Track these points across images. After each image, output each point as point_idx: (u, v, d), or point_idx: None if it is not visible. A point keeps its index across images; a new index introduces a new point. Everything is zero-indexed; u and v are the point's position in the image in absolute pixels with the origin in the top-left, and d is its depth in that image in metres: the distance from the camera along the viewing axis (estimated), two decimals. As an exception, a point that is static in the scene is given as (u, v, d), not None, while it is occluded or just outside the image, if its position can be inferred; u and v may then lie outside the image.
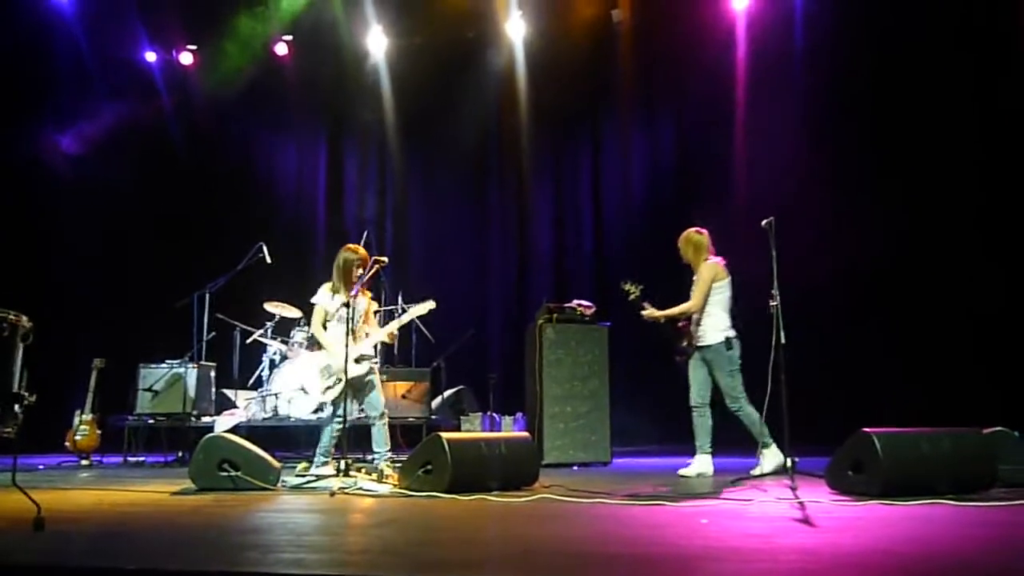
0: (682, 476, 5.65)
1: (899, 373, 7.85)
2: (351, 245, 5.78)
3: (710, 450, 5.79)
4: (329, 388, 5.54)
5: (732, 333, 5.78)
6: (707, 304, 5.81)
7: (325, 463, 5.54)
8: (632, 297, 5.94)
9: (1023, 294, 7.67)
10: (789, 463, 4.62)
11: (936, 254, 8.03)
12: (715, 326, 5.77)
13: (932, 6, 8.18)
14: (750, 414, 5.59)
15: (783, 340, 4.64)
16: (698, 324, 5.83)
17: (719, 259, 5.91)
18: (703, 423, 5.82)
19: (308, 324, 7.99)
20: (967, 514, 3.62)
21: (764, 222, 4.87)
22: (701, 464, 5.74)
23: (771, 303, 4.82)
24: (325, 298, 5.64)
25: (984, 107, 8.13)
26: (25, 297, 3.71)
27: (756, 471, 5.53)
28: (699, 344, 5.82)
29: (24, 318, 3.46)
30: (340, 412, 5.45)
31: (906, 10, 8.25)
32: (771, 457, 5.54)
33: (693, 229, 6.01)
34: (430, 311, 5.72)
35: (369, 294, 5.83)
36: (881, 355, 8.06)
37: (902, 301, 8.09)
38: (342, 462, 5.07)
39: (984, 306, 7.68)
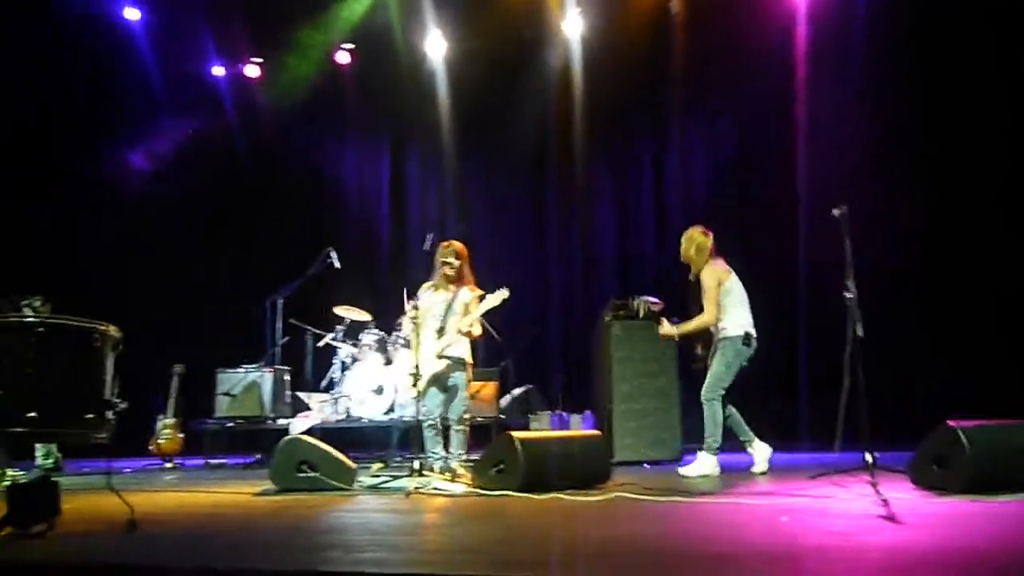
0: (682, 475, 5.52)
1: (983, 363, 7.55)
2: (443, 243, 5.82)
3: (715, 451, 5.59)
4: (413, 385, 5.64)
5: (753, 331, 5.65)
6: (720, 307, 5.66)
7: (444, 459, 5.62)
8: (643, 315, 5.82)
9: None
10: (869, 458, 4.49)
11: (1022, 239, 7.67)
12: (736, 321, 5.63)
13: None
14: (716, 412, 5.51)
15: (860, 333, 4.52)
16: (719, 323, 5.68)
17: (719, 261, 5.76)
18: (731, 419, 5.69)
19: (377, 327, 8.17)
20: (1062, 509, 3.48)
21: (836, 211, 4.74)
22: (705, 464, 5.57)
23: (847, 295, 4.69)
24: (422, 297, 5.71)
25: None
26: (110, 309, 3.86)
27: (685, 470, 5.51)
28: (718, 338, 5.69)
29: (113, 328, 3.61)
30: (419, 410, 5.53)
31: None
32: (706, 463, 5.48)
33: (698, 229, 5.87)
34: (504, 301, 5.60)
35: (476, 292, 5.70)
36: (964, 345, 7.76)
37: (987, 288, 7.76)
38: (415, 462, 5.14)
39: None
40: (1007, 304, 7.65)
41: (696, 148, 9.96)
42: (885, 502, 3.47)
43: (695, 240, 5.83)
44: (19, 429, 3.38)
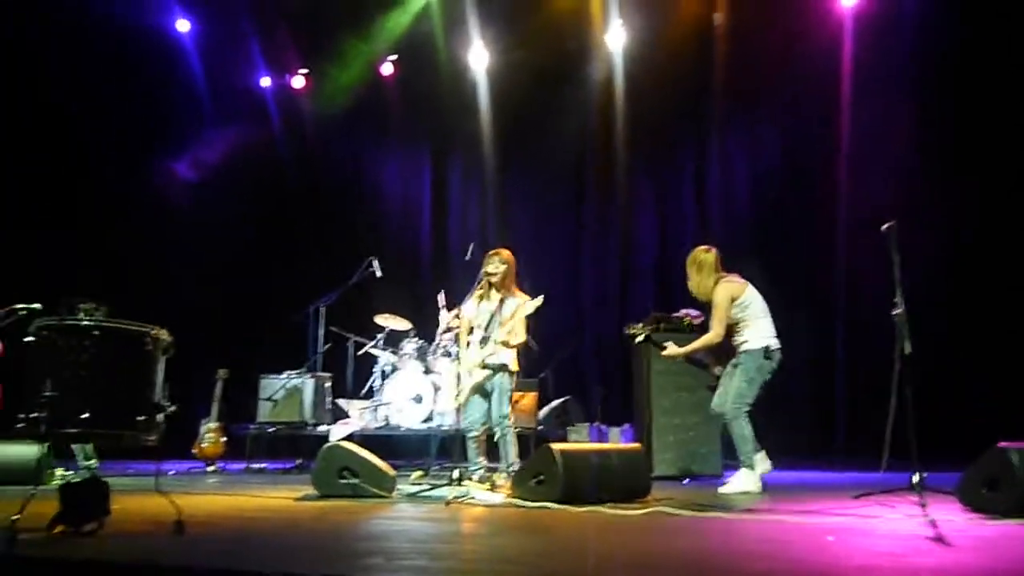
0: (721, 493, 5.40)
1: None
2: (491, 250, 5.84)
3: (753, 465, 5.44)
4: (457, 395, 5.67)
5: (775, 344, 5.52)
6: (740, 321, 5.55)
7: (477, 470, 5.64)
8: (638, 340, 5.71)
9: None
10: (916, 479, 4.41)
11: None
12: (757, 334, 5.51)
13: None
14: (742, 428, 5.38)
15: (909, 350, 4.44)
16: (739, 336, 5.57)
17: (732, 276, 5.64)
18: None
19: (417, 336, 8.23)
20: (1120, 536, 3.38)
21: (885, 227, 4.67)
22: (746, 479, 5.42)
23: (895, 311, 4.62)
24: (466, 307, 5.73)
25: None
26: (158, 314, 3.94)
27: (725, 488, 5.39)
28: (740, 351, 5.56)
29: (164, 332, 3.70)
30: (465, 419, 5.54)
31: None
32: (746, 478, 5.34)
33: (701, 248, 5.78)
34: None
35: (523, 298, 5.62)
36: (1016, 364, 7.57)
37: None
38: (455, 471, 5.16)
39: None
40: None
41: (738, 160, 9.87)
42: (933, 523, 3.40)
43: (696, 260, 5.73)
44: (73, 430, 3.48)
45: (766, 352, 5.49)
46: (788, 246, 8.48)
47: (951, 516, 3.90)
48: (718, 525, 3.83)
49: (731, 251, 9.41)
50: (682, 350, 5.71)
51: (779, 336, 5.63)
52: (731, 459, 6.05)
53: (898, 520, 3.89)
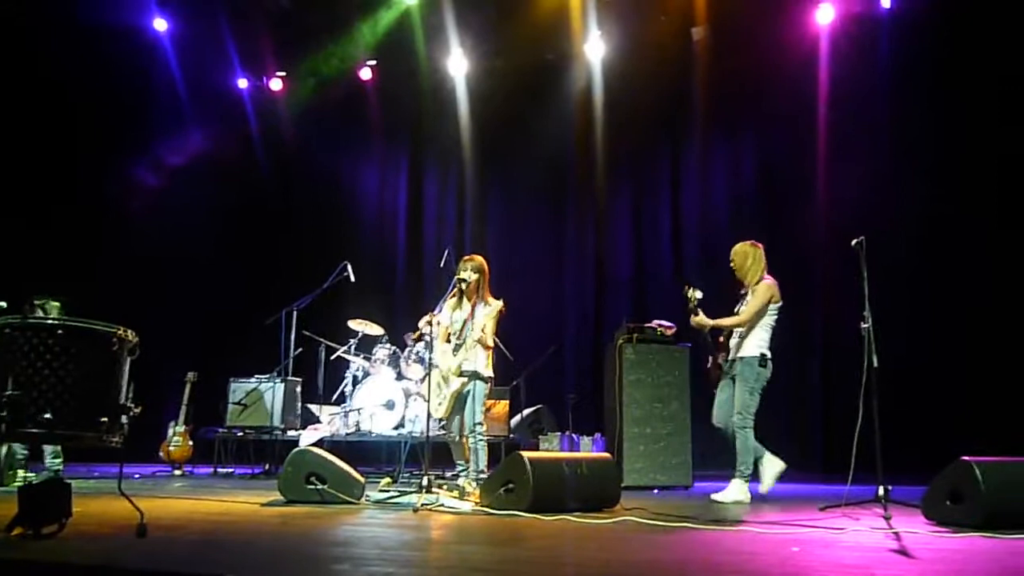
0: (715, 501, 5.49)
1: (999, 398, 7.48)
2: (464, 256, 5.84)
3: (748, 478, 5.55)
4: (440, 404, 5.65)
5: (769, 353, 5.62)
6: (757, 322, 5.65)
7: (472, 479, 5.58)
8: (692, 304, 5.77)
9: None
10: (881, 491, 4.47)
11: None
12: (756, 342, 5.61)
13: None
14: (748, 440, 5.46)
15: (875, 364, 4.51)
16: (741, 338, 5.67)
17: (774, 280, 5.73)
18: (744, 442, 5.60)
19: (390, 341, 8.19)
20: (1078, 550, 3.43)
21: (854, 242, 4.75)
22: (737, 490, 5.51)
23: (862, 325, 4.69)
24: (441, 314, 5.74)
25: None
26: (126, 315, 3.89)
27: (719, 496, 5.48)
28: (734, 357, 5.67)
29: (131, 333, 3.64)
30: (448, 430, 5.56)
31: (994, 26, 7.93)
32: (738, 489, 5.43)
33: (750, 242, 5.85)
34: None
35: (494, 304, 5.61)
36: (980, 378, 7.70)
37: (1004, 322, 7.70)
38: (424, 478, 5.13)
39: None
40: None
41: (716, 173, 9.97)
42: (897, 536, 3.43)
43: (750, 253, 5.80)
44: (34, 430, 3.40)
45: (762, 360, 5.58)
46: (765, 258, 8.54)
47: (915, 529, 3.95)
48: (686, 536, 3.84)
49: (706, 264, 9.64)
50: (710, 322, 5.73)
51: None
52: (705, 469, 6.08)
53: (863, 532, 3.92)
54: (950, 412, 7.61)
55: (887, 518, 4.15)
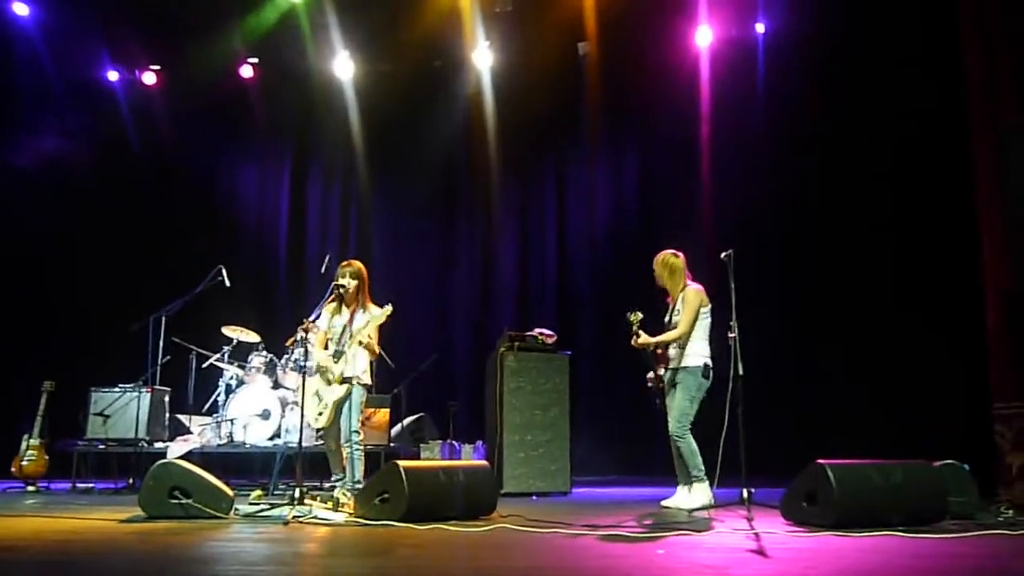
0: (665, 507, 5.51)
1: (857, 403, 7.93)
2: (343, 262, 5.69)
3: (705, 478, 5.51)
4: (320, 414, 5.47)
5: (710, 362, 5.67)
6: (691, 332, 5.69)
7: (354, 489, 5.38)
8: (634, 327, 5.79)
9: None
10: (745, 494, 4.66)
11: (898, 284, 8.03)
12: (698, 351, 5.64)
13: (890, 44, 8.25)
14: (690, 444, 5.53)
15: (741, 372, 4.70)
16: (680, 348, 5.67)
17: (700, 286, 5.80)
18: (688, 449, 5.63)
19: (266, 349, 7.92)
20: (917, 546, 3.67)
21: (723, 254, 4.96)
22: (701, 494, 5.49)
23: (730, 335, 4.90)
24: (320, 320, 5.57)
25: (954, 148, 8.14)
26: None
27: (671, 502, 5.53)
28: (676, 367, 5.66)
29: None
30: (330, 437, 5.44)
31: (865, 48, 8.46)
32: (702, 492, 5.44)
33: (670, 252, 5.88)
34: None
35: (378, 310, 5.45)
36: (839, 385, 8.16)
37: (862, 331, 8.17)
38: (297, 490, 4.98)
39: (943, 338, 7.66)
40: (889, 344, 7.98)
41: (600, 185, 10.18)
42: (756, 536, 3.58)
43: (668, 263, 5.80)
44: None
45: (705, 370, 5.58)
46: (647, 271, 8.79)
47: (774, 529, 4.13)
48: (557, 541, 3.88)
49: (590, 275, 9.84)
50: (652, 340, 5.69)
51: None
52: (584, 475, 6.13)
53: (726, 534, 4.08)
54: (813, 416, 8.03)
55: (750, 519, 4.32)
